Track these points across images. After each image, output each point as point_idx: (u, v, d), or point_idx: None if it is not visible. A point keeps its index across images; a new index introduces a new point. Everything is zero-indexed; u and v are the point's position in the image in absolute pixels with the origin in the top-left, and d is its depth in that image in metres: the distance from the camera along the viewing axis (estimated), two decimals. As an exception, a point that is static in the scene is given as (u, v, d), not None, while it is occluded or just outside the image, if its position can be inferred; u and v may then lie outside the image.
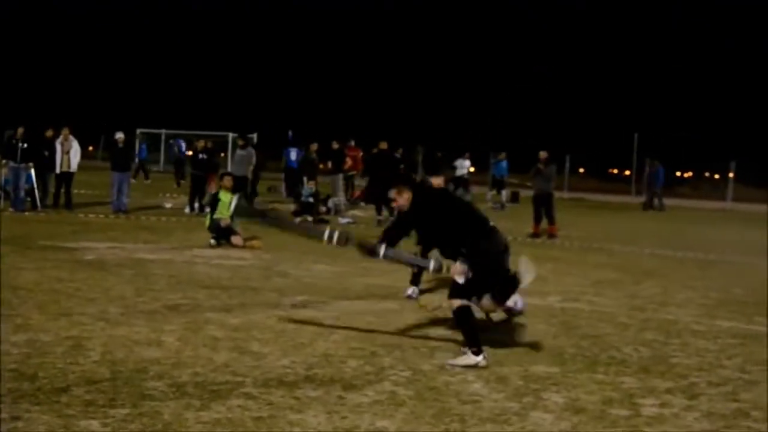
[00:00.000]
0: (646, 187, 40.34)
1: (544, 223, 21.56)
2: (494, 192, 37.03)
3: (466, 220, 8.29)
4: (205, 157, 25.36)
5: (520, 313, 8.86)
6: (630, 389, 7.36)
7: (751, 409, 6.92)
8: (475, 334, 8.00)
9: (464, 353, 7.97)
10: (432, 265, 8.25)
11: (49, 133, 23.60)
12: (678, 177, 78.94)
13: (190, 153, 27.38)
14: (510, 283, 8.32)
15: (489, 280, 8.18)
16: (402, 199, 8.45)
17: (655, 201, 38.59)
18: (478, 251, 8.07)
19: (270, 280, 12.47)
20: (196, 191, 24.84)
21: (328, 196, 27.38)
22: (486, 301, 8.30)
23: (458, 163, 38.02)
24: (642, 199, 38.97)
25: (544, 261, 16.50)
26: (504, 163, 38.22)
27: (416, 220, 8.45)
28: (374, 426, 6.06)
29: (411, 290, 11.42)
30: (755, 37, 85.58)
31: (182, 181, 35.30)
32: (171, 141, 43.32)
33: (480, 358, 7.85)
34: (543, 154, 21.73)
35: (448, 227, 8.24)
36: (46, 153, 23.08)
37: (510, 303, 8.46)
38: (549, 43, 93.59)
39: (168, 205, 26.23)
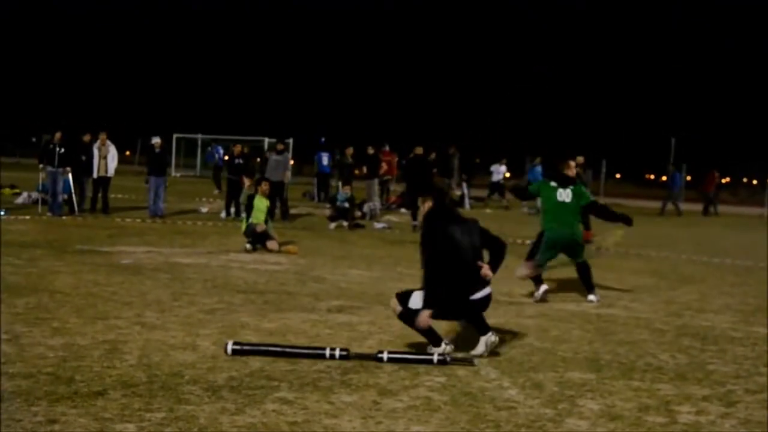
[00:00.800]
0: (667, 192, 40.26)
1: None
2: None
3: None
4: (241, 161, 25.43)
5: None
6: (666, 396, 7.31)
7: (789, 416, 6.86)
8: (427, 332, 8.30)
9: (431, 352, 8.14)
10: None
11: (87, 137, 23.81)
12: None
13: (227, 158, 27.41)
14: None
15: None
16: (424, 207, 8.65)
17: (669, 205, 38.51)
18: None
19: (305, 285, 12.49)
20: (232, 196, 24.91)
21: (364, 201, 27.40)
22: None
23: (494, 168, 38.01)
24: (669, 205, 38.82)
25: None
26: (539, 168, 38.09)
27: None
28: (409, 431, 6.06)
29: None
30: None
31: (218, 190, 35.36)
32: (209, 147, 43.45)
33: (440, 348, 8.19)
34: (580, 159, 21.66)
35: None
36: (84, 158, 23.28)
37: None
38: (589, 49, 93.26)
39: (204, 210, 26.34)
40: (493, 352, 8.44)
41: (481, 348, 8.36)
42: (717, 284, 14.61)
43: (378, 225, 23.97)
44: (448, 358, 7.99)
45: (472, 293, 8.38)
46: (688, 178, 54.78)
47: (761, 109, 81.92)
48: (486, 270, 8.48)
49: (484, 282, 8.44)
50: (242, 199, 19.79)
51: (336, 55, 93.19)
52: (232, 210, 24.48)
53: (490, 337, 8.37)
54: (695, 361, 8.71)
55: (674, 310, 11.77)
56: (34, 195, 24.59)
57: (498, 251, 8.76)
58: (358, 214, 25.26)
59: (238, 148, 26.21)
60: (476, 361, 8.11)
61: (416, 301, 8.33)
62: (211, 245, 17.17)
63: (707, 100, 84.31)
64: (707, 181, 41.29)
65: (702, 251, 18.33)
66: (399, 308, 8.41)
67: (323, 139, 35.46)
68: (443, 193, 8.96)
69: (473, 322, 8.47)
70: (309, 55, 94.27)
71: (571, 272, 14.96)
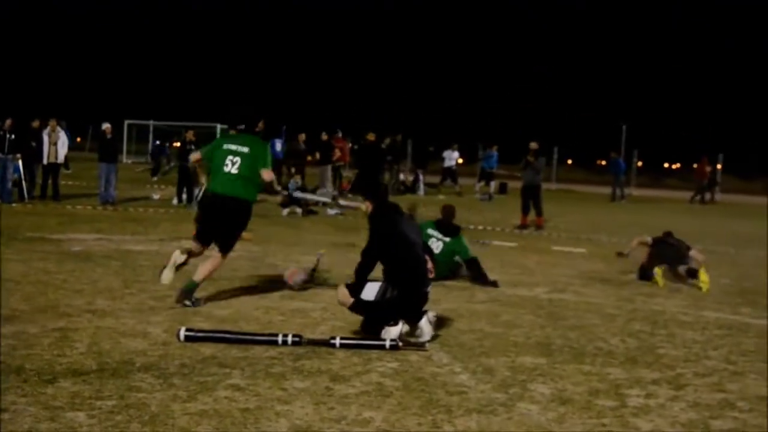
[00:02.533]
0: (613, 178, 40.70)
1: (532, 215, 21.61)
2: (483, 183, 37.04)
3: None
4: (193, 148, 25.32)
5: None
6: (616, 380, 7.38)
7: (737, 399, 6.94)
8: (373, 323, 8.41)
9: (383, 338, 8.18)
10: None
11: (36, 124, 23.56)
12: (666, 169, 79.20)
13: (178, 144, 27.24)
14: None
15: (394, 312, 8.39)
16: (366, 209, 8.84)
17: (617, 191, 39.01)
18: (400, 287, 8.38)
19: (258, 272, 12.45)
20: (184, 182, 24.82)
21: (317, 188, 27.37)
22: None
23: (446, 154, 38.13)
24: (617, 191, 39.24)
25: (532, 252, 16.56)
26: (494, 155, 38.27)
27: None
28: (361, 417, 6.07)
29: None
30: (742, 32, 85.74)
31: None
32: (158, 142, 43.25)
33: (397, 328, 8.26)
34: (533, 145, 21.77)
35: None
36: (34, 144, 23.04)
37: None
38: (538, 34, 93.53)
39: (156, 197, 26.18)
40: (444, 338, 8.49)
41: (426, 330, 8.38)
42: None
43: (331, 211, 23.94)
44: (401, 344, 8.01)
45: (423, 287, 8.50)
46: (639, 163, 55.28)
47: (712, 96, 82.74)
48: (432, 266, 8.63)
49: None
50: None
51: (288, 42, 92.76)
52: (184, 196, 24.38)
53: (428, 316, 8.42)
54: (645, 345, 8.79)
55: (625, 295, 11.87)
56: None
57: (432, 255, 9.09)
58: (315, 199, 25.23)
59: (190, 135, 26.08)
60: (428, 346, 8.14)
61: (370, 293, 8.35)
62: (162, 232, 17.06)
63: (660, 88, 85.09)
64: (698, 170, 41.79)
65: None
66: (350, 300, 8.43)
67: (284, 127, 35.30)
68: (383, 193, 9.12)
69: (413, 318, 8.47)
70: (261, 41, 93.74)
71: (521, 258, 15.09)
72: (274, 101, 77.34)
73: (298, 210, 22.91)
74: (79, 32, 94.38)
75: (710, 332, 9.58)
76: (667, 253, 13.51)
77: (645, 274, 13.28)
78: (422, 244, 8.86)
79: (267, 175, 10.35)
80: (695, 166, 44.51)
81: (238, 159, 10.01)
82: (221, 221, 9.96)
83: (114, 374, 6.78)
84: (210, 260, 9.96)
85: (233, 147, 10.14)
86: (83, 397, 6.16)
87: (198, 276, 9.71)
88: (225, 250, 10.06)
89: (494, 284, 11.95)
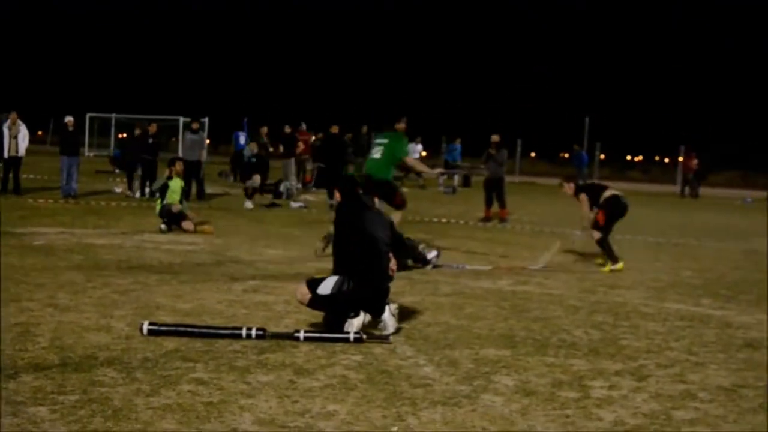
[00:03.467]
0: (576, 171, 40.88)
1: (495, 207, 21.67)
2: (446, 176, 37.11)
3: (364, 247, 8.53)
4: (157, 141, 25.27)
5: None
6: (580, 371, 7.42)
7: (699, 390, 7.00)
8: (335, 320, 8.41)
9: (347, 331, 8.19)
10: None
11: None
12: (628, 161, 79.61)
13: (138, 132, 27.04)
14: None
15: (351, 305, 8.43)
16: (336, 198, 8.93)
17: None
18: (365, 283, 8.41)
19: (221, 265, 12.42)
20: (147, 175, 24.73)
21: (280, 181, 27.32)
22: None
23: (410, 147, 38.15)
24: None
25: (496, 245, 16.62)
26: (458, 148, 38.37)
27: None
28: (325, 410, 6.06)
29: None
30: (700, 25, 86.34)
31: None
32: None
33: (359, 319, 8.32)
34: (495, 138, 21.83)
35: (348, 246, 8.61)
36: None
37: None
38: (500, 28, 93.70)
39: (118, 190, 26.02)
40: (409, 330, 8.51)
41: (389, 323, 8.39)
42: (629, 261, 14.83)
43: (295, 204, 23.93)
44: (365, 336, 8.01)
45: (383, 283, 8.51)
46: (602, 156, 55.54)
47: (673, 89, 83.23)
48: (394, 265, 8.63)
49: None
50: (155, 186, 19.71)
51: (251, 35, 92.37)
52: (147, 190, 24.28)
53: (390, 308, 8.43)
54: (608, 336, 8.84)
55: (587, 287, 11.94)
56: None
57: (404, 252, 9.08)
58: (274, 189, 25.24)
59: (153, 128, 25.95)
60: (392, 338, 8.15)
61: (327, 287, 8.35)
62: (125, 226, 16.97)
63: (622, 81, 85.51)
64: (684, 163, 41.99)
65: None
66: (309, 296, 8.42)
67: (246, 120, 35.16)
68: (354, 185, 9.09)
69: (375, 312, 8.47)
70: (225, 34, 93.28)
71: (486, 247, 15.14)
72: (235, 94, 76.97)
73: (255, 185, 23.02)
74: (39, 25, 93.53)
75: (672, 323, 9.65)
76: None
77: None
78: (390, 240, 8.80)
79: (408, 160, 14.69)
80: (681, 159, 44.68)
81: (380, 148, 13.75)
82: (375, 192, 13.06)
83: (77, 369, 6.73)
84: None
85: (378, 140, 14.11)
86: (46, 391, 6.11)
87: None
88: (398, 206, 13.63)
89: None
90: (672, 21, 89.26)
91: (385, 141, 13.79)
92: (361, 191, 9.12)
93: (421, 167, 17.19)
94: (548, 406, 6.41)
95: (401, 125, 13.98)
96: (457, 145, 38.32)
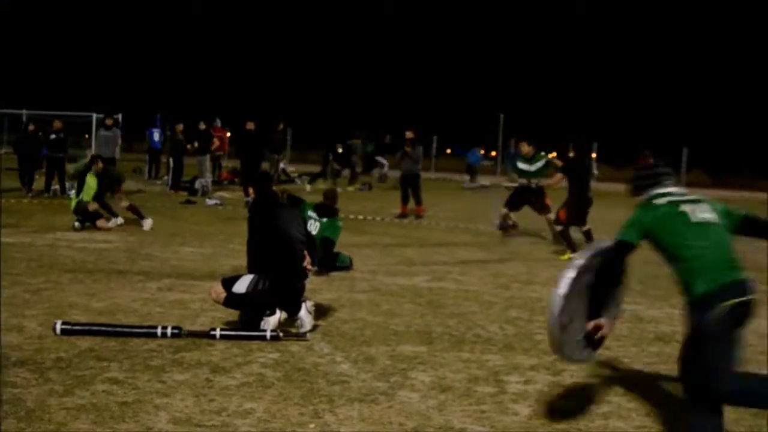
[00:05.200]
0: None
1: (411, 204, 21.73)
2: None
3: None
4: (61, 136, 24.93)
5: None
6: (495, 367, 7.49)
7: (612, 384, 7.12)
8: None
9: (264, 328, 8.16)
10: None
11: None
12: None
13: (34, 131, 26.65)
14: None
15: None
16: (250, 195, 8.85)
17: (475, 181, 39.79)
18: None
19: (136, 263, 12.28)
20: (53, 173, 24.42)
21: (195, 178, 27.11)
22: None
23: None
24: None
25: (411, 241, 16.69)
26: (371, 145, 38.43)
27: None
28: (242, 408, 6.05)
29: None
30: (613, 20, 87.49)
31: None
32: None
33: (275, 317, 8.25)
34: (409, 135, 21.85)
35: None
36: None
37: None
38: (417, 24, 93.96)
39: (32, 187, 25.54)
40: (325, 328, 8.52)
41: (306, 320, 8.37)
42: (544, 257, 15.00)
43: (210, 201, 23.76)
44: (281, 334, 8.00)
45: (298, 282, 8.50)
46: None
47: (585, 84, 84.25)
48: (308, 263, 8.61)
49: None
50: (71, 171, 19.41)
51: (164, 29, 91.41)
52: (55, 187, 23.93)
53: (306, 305, 8.43)
54: (523, 332, 8.93)
55: (502, 283, 12.04)
56: None
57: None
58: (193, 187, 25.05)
59: (57, 124, 25.59)
60: (309, 336, 8.15)
61: (242, 285, 8.31)
62: (36, 223, 16.68)
63: (535, 76, 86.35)
64: (640, 162, 42.38)
65: (529, 224, 18.74)
66: (224, 294, 8.37)
67: (159, 116, 34.76)
68: (267, 181, 9.08)
69: (291, 310, 8.46)
70: (137, 28, 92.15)
71: (401, 248, 15.21)
72: (149, 89, 76.15)
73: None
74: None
75: (585, 318, 9.75)
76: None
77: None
78: (304, 238, 8.79)
79: None
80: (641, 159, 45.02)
81: None
82: None
83: (-13, 370, 6.63)
84: None
85: None
86: (-45, 393, 6.02)
87: None
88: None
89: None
90: (586, 14, 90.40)
91: None
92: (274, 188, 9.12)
93: None
94: (465, 401, 6.48)
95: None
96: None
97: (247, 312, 8.38)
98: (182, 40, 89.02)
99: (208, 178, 27.47)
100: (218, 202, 23.69)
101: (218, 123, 32.31)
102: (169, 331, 7.89)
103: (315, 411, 6.07)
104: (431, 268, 13.11)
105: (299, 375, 6.93)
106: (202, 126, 29.90)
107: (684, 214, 5.57)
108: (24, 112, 50.91)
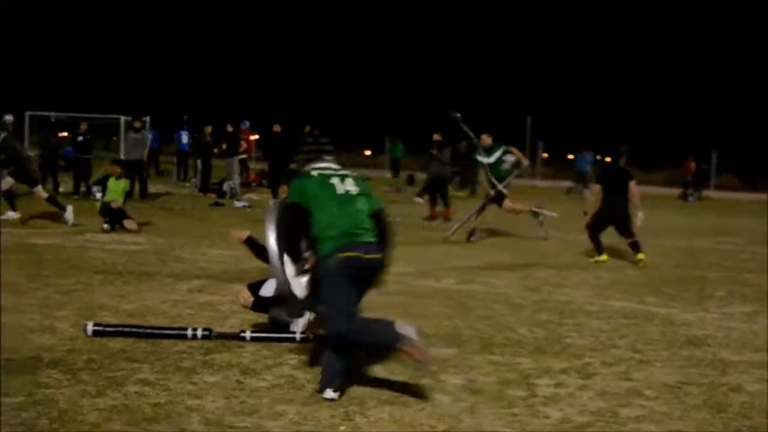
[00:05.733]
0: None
1: (439, 206, 21.66)
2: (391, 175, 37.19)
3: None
4: (88, 138, 25.10)
5: None
6: (526, 370, 7.46)
7: (644, 387, 7.07)
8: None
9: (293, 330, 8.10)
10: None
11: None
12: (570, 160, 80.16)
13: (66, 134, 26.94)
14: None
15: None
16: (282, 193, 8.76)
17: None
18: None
19: (166, 265, 12.33)
20: (80, 175, 24.57)
21: (223, 180, 27.21)
22: None
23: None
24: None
25: (439, 244, 16.66)
26: (401, 146, 38.47)
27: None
28: (274, 410, 6.05)
29: None
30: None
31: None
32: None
33: (303, 319, 8.07)
34: (436, 137, 21.77)
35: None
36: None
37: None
38: (443, 23, 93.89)
39: (60, 190, 25.70)
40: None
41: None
42: (573, 260, 14.95)
43: (238, 203, 23.83)
44: (311, 336, 7.98)
45: None
46: (545, 155, 55.95)
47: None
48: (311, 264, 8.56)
49: None
50: (92, 180, 19.50)
51: (193, 32, 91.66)
52: (83, 189, 24.07)
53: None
54: (553, 335, 8.90)
55: (531, 286, 12.00)
56: None
57: None
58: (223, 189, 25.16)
59: (83, 126, 25.78)
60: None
61: (269, 289, 8.29)
62: (67, 226, 16.76)
63: (569, 78, 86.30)
64: (684, 167, 42.08)
65: (558, 228, 18.70)
66: (251, 299, 8.37)
67: (186, 117, 34.86)
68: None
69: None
70: (166, 30, 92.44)
71: (429, 250, 15.17)
72: (178, 92, 76.43)
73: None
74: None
75: (616, 321, 9.73)
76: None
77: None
78: None
79: None
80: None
81: None
82: None
83: (21, 371, 6.66)
84: None
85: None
86: (-11, 394, 6.05)
87: None
88: None
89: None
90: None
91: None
92: None
93: None
94: (496, 404, 6.46)
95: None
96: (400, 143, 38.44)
97: (276, 314, 8.37)
98: (211, 43, 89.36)
99: (236, 181, 27.57)
100: (246, 204, 23.76)
101: (246, 125, 32.40)
102: (199, 332, 7.91)
103: (346, 413, 6.06)
104: (459, 270, 13.08)
105: (330, 377, 6.92)
106: (230, 128, 30.00)
107: (331, 185, 6.68)
108: (53, 114, 51.20)
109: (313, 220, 6.54)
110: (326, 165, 6.94)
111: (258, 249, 8.37)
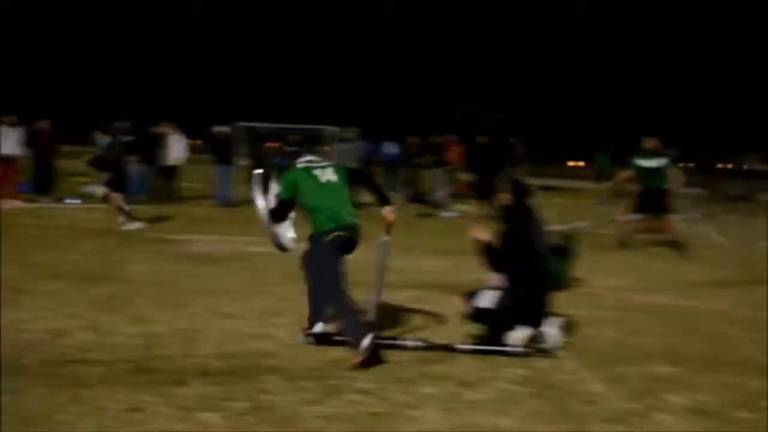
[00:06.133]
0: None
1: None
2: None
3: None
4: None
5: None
6: (755, 390, 7.12)
7: None
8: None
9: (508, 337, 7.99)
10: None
11: (159, 128, 24.15)
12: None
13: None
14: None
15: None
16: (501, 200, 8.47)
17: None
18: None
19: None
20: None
21: (431, 190, 27.37)
22: None
23: None
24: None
25: (657, 256, 16.16)
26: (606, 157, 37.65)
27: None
28: (492, 423, 5.96)
29: None
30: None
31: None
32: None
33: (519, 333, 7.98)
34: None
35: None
36: (154, 147, 23.56)
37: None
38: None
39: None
40: (572, 345, 8.29)
41: (552, 336, 8.05)
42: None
43: (447, 214, 23.90)
44: (528, 350, 7.83)
45: (543, 296, 8.25)
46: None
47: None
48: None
49: None
50: None
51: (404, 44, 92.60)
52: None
53: (553, 321, 8.17)
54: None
55: (757, 303, 11.36)
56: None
57: None
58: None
59: (294, 137, 26.39)
60: (556, 352, 7.91)
61: (486, 300, 8.14)
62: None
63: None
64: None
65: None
66: (469, 309, 8.25)
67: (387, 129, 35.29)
68: (525, 191, 8.61)
69: (537, 325, 8.23)
70: (366, 44, 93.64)
71: (647, 263, 14.78)
72: (380, 102, 77.68)
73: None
74: (185, 35, 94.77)
75: None
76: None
77: None
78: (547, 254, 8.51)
79: None
80: None
81: None
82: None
83: (243, 376, 6.79)
84: None
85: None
86: (214, 398, 6.18)
87: None
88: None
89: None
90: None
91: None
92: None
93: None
94: (724, 426, 6.18)
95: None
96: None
97: (493, 326, 8.25)
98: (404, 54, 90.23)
99: (445, 191, 27.63)
100: (455, 214, 23.77)
101: (454, 136, 32.47)
102: (416, 343, 7.89)
103: (567, 431, 5.91)
104: (679, 286, 12.64)
105: (548, 392, 6.78)
106: (437, 139, 30.14)
107: (315, 176, 8.03)
108: (259, 125, 52.69)
109: (304, 203, 8.00)
110: (308, 158, 8.29)
111: (491, 255, 8.22)
